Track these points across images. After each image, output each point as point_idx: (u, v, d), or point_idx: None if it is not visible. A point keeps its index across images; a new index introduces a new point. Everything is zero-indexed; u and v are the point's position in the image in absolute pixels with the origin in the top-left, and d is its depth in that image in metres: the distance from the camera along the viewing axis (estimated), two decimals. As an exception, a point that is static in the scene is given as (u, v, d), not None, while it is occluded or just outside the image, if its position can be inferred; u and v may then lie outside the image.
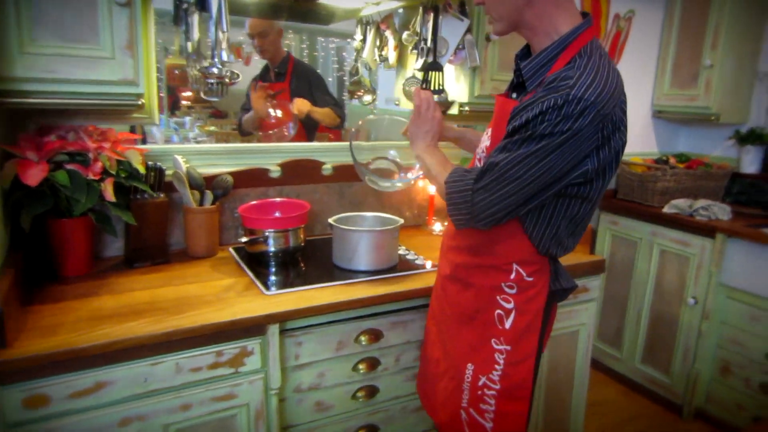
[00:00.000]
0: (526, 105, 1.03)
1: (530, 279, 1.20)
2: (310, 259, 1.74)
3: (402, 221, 1.65)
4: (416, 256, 1.74)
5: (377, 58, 2.21)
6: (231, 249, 1.79)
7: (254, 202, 1.77)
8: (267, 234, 1.63)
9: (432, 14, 1.82)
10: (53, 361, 1.10)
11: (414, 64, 1.98)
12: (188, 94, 2.30)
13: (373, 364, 1.53)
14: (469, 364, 1.25)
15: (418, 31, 1.87)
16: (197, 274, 1.56)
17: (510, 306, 1.21)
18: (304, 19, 2.34)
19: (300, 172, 1.93)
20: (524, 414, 1.25)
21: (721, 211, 2.31)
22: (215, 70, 1.53)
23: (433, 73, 1.82)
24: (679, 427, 2.43)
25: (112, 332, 1.17)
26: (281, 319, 1.33)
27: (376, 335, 1.51)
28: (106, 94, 1.33)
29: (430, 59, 1.83)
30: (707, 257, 2.30)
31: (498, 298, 1.21)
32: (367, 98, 2.31)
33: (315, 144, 1.98)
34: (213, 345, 1.28)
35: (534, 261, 1.18)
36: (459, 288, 1.28)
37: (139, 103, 1.37)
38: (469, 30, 1.83)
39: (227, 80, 1.55)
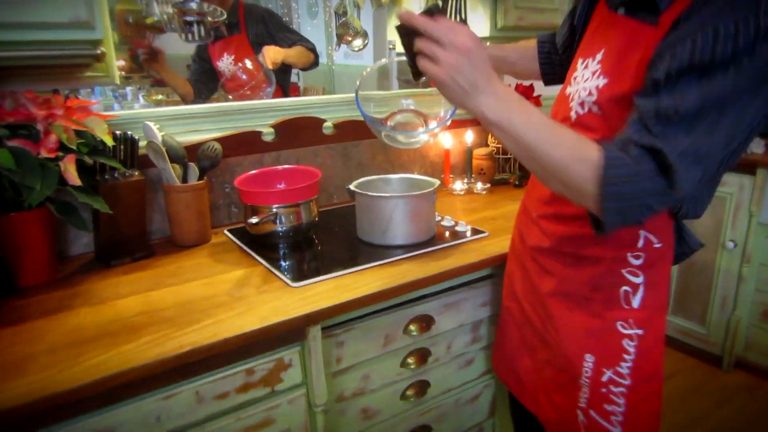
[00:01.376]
0: (695, 29, 0.74)
1: (660, 245, 0.95)
2: (327, 236, 1.43)
3: (438, 182, 1.37)
4: (453, 222, 1.47)
5: (369, -8, 1.87)
6: (227, 232, 1.47)
7: (253, 172, 1.44)
8: (275, 210, 1.32)
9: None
10: (26, 416, 0.78)
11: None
12: (121, 63, 1.96)
13: (423, 355, 1.27)
14: (588, 356, 0.99)
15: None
16: (196, 267, 1.24)
17: (638, 280, 0.96)
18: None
19: (297, 132, 1.61)
20: (659, 413, 1.01)
21: (755, 145, 2.13)
22: (194, 5, 1.17)
23: (455, 1, 1.51)
24: (722, 379, 2.30)
25: (104, 362, 0.86)
26: (323, 317, 1.04)
27: (427, 322, 1.25)
28: (52, 43, 0.97)
29: (448, -16, 1.52)
30: (746, 196, 2.12)
31: (623, 271, 0.96)
32: (358, 42, 1.98)
33: (312, 98, 1.65)
34: (241, 362, 0.98)
35: (663, 223, 0.94)
36: (565, 263, 1.01)
37: (98, 53, 1.02)
38: (489, -54, 1.52)
39: (209, 18, 1.20)
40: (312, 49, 2.08)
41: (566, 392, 1.04)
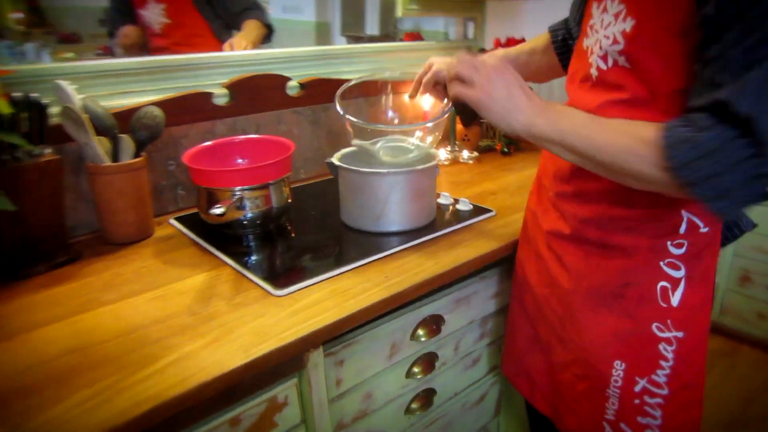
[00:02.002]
0: None
1: (706, 230, 0.78)
2: (303, 223, 1.17)
3: (439, 154, 1.12)
4: (452, 199, 1.24)
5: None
6: (174, 221, 1.17)
7: (205, 145, 1.14)
8: (238, 194, 1.04)
9: None
10: None
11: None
12: (20, 15, 1.67)
13: (431, 361, 1.05)
14: (617, 362, 0.82)
15: None
16: (139, 273, 0.95)
17: (679, 274, 0.78)
18: None
19: (257, 94, 1.31)
20: (698, 423, 0.85)
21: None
22: None
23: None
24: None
25: (20, 439, 0.58)
26: (325, 336, 0.79)
27: (437, 323, 1.02)
28: None
29: None
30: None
31: (662, 264, 0.78)
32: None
33: (274, 51, 1.35)
34: (222, 412, 0.72)
35: None
36: (589, 253, 0.83)
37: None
38: None
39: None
40: (263, 20, 1.71)
41: (590, 402, 0.87)
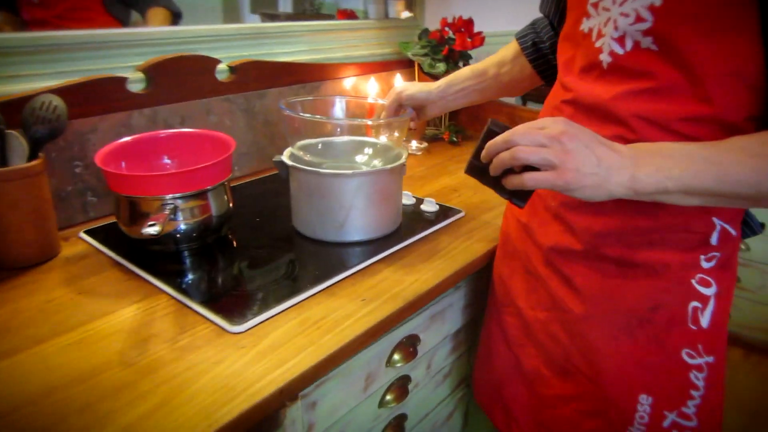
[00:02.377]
0: None
1: (735, 234, 0.71)
2: (248, 232, 1.00)
3: (406, 151, 0.99)
4: (413, 199, 1.11)
5: None
6: (84, 235, 0.96)
7: (123, 141, 0.93)
8: (170, 203, 0.85)
9: None
10: None
11: None
12: None
13: (403, 385, 0.93)
14: (643, 396, 0.73)
15: None
16: (46, 309, 0.74)
17: (710, 291, 0.71)
18: None
19: (180, 79, 1.10)
20: None
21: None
22: None
23: None
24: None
25: None
26: (305, 384, 0.64)
27: (413, 344, 0.90)
28: None
29: None
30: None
31: (693, 281, 0.70)
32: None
33: (197, 28, 1.14)
34: (180, 501, 0.55)
35: None
36: (607, 273, 0.73)
37: None
38: None
39: None
40: (174, 10, 1.42)
41: None
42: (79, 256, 0.90)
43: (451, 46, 1.50)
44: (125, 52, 1.04)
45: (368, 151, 1.00)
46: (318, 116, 0.98)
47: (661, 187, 0.59)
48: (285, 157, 0.94)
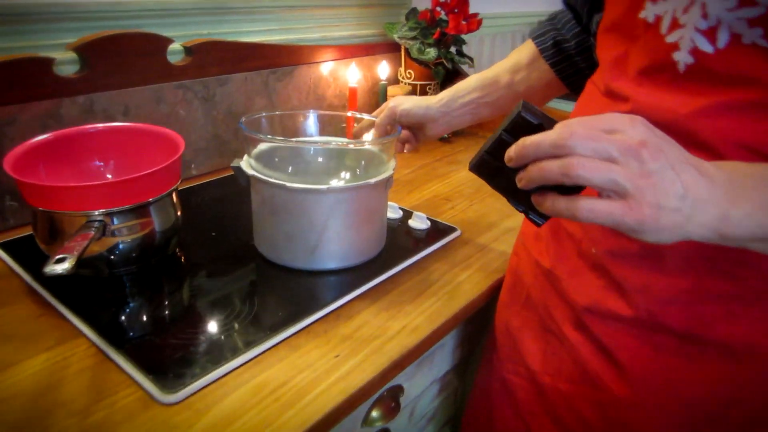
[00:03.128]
0: None
1: None
2: (200, 250, 0.83)
3: (393, 161, 0.82)
4: (399, 212, 0.95)
5: None
6: (-2, 251, 0.78)
7: (42, 139, 0.75)
8: (99, 220, 0.68)
9: None
10: None
11: None
12: None
13: (382, 439, 0.79)
14: None
15: None
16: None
17: None
18: None
19: (123, 60, 0.92)
20: None
21: None
22: None
23: None
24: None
25: None
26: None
27: (395, 396, 0.75)
28: None
29: None
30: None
31: None
32: None
33: (143, 0, 0.95)
34: None
35: None
36: (664, 349, 0.56)
37: None
38: None
39: None
40: None
41: None
42: (-17, 279, 0.72)
43: (443, 29, 1.33)
44: (53, 27, 0.86)
45: (346, 158, 0.83)
46: (288, 140, 0.80)
47: (759, 233, 0.42)
48: (245, 164, 0.77)
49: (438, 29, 1.33)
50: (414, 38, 1.35)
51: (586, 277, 0.61)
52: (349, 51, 1.32)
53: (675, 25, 0.49)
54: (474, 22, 1.34)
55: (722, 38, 0.46)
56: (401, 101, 0.83)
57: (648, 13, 0.51)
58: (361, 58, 1.35)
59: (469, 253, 0.85)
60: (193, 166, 1.06)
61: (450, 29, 1.32)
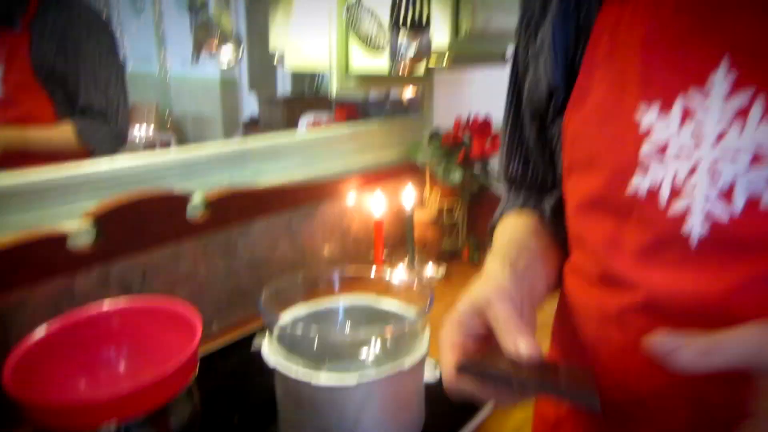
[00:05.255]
0: None
1: None
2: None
3: (428, 331, 0.74)
4: (437, 371, 0.86)
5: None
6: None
7: (44, 335, 0.69)
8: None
9: None
10: None
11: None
12: None
13: None
14: None
15: None
16: None
17: None
18: None
19: (142, 224, 0.88)
20: None
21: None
22: None
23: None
24: None
25: None
26: None
27: None
28: None
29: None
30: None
31: None
32: (227, 53, 1.29)
33: (165, 158, 0.92)
34: None
35: None
36: None
37: None
38: None
39: None
40: (88, 136, 1.11)
41: None
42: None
43: (468, 151, 1.29)
44: (69, 199, 0.83)
45: (374, 338, 0.75)
46: (315, 330, 0.73)
47: None
48: (266, 347, 0.70)
49: (462, 151, 1.29)
50: (438, 161, 1.31)
51: None
52: (373, 178, 1.29)
53: (677, 193, 0.42)
54: (498, 142, 1.30)
55: (740, 201, 0.40)
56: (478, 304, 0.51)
57: (638, 186, 0.44)
58: (385, 183, 1.31)
59: (523, 422, 0.76)
60: (213, 323, 0.99)
61: (474, 153, 1.28)
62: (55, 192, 0.81)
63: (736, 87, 0.39)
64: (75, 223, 0.82)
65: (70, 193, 0.83)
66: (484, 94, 1.47)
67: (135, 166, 0.90)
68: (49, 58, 1.11)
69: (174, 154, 0.95)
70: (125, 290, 0.86)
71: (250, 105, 1.95)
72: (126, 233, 0.86)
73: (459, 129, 1.32)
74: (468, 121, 1.34)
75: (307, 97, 1.85)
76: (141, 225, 0.88)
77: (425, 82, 1.47)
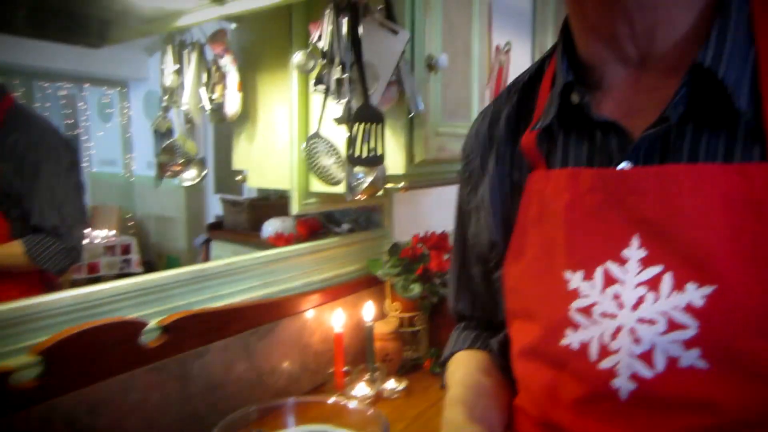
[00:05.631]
0: None
1: None
2: None
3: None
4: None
5: (205, 103, 1.25)
6: None
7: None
8: None
9: (346, 19, 0.97)
10: None
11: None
12: None
13: None
14: None
15: (326, 48, 0.99)
16: None
17: None
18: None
19: (93, 356, 0.85)
20: None
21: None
22: None
23: (369, 126, 0.95)
24: None
25: None
26: None
27: None
28: None
29: (353, 102, 0.97)
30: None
31: None
32: (190, 173, 1.32)
33: (118, 284, 0.91)
34: None
35: None
36: None
37: None
38: (403, 52, 1.03)
39: None
40: (35, 254, 1.11)
41: None
42: None
43: (426, 265, 1.32)
44: (12, 332, 0.80)
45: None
46: None
47: None
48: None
49: (421, 265, 1.32)
50: (398, 275, 1.33)
51: None
52: (333, 293, 1.30)
53: (605, 352, 0.45)
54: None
55: (661, 362, 0.43)
56: None
57: (570, 340, 0.47)
58: (345, 298, 1.32)
59: None
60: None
61: (432, 266, 1.31)
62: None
63: (647, 262, 0.43)
64: (21, 359, 0.79)
65: (12, 326, 0.81)
66: (442, 209, 1.53)
67: (85, 294, 0.89)
68: (8, 180, 1.13)
69: (126, 282, 0.94)
70: (69, 427, 0.82)
71: (214, 205, 1.97)
72: (74, 366, 0.83)
73: (416, 242, 1.36)
74: (426, 234, 1.38)
75: (272, 200, 1.89)
76: (93, 356, 0.85)
77: (385, 200, 1.52)
